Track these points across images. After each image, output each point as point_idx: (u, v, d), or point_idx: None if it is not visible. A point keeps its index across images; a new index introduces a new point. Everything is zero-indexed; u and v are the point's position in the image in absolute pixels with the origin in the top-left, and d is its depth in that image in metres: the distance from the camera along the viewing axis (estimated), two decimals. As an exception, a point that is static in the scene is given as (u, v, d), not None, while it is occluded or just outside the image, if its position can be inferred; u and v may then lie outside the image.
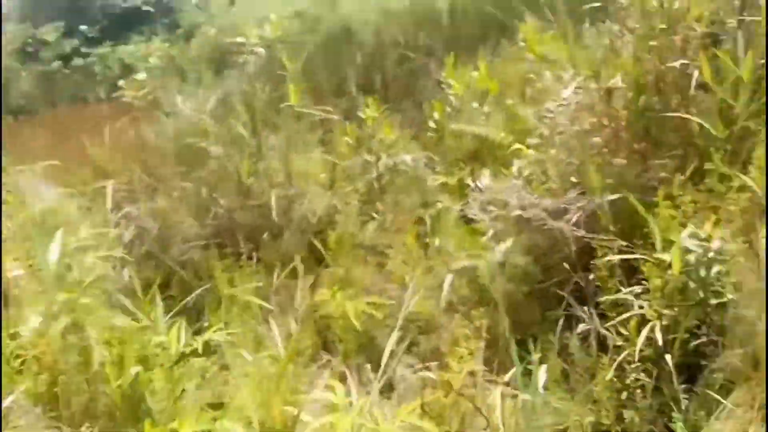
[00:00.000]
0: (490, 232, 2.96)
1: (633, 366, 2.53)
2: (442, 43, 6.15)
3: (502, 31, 5.59)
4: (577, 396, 2.65)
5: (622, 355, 2.54)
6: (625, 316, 2.61)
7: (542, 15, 4.62)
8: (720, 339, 2.52)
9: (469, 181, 3.53)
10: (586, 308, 2.80)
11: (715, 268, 2.47)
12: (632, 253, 2.74)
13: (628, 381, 2.54)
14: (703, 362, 2.51)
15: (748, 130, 2.81)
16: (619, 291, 2.71)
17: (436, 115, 4.34)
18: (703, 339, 2.53)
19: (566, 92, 2.95)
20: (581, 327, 2.76)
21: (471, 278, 3.15)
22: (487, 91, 4.25)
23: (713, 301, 2.49)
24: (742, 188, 2.69)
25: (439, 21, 6.58)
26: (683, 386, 2.49)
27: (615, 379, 2.54)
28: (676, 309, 2.55)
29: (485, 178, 3.10)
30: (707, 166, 2.75)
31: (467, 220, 3.44)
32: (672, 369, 2.44)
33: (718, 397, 2.39)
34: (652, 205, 2.72)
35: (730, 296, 2.48)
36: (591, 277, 2.84)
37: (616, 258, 2.75)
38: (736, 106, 2.80)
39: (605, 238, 2.81)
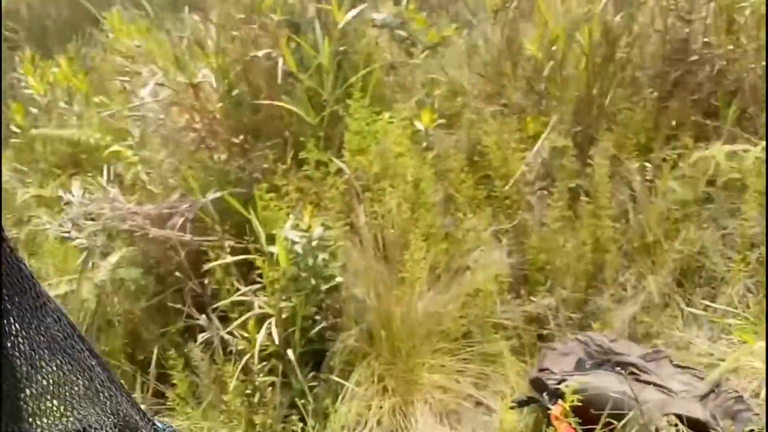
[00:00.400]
0: (86, 250, 2.64)
1: (259, 366, 2.47)
2: (26, 34, 5.46)
3: (95, 22, 5.14)
4: (208, 409, 2.52)
5: (246, 357, 2.46)
6: (245, 316, 2.53)
7: (137, 3, 4.33)
8: (337, 321, 2.59)
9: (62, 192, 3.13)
10: (206, 315, 2.66)
11: (321, 255, 2.50)
12: (245, 250, 2.67)
13: (257, 383, 2.47)
14: (326, 348, 2.56)
15: (337, 115, 2.90)
16: (238, 291, 2.63)
17: (18, 119, 3.79)
18: (323, 325, 2.56)
19: (147, 89, 2.74)
20: (202, 336, 2.61)
21: (78, 304, 2.80)
22: (76, 88, 3.83)
23: (324, 287, 2.53)
24: (339, 172, 2.79)
25: (21, 11, 5.84)
26: (312, 374, 2.51)
27: (244, 383, 2.46)
28: (293, 300, 2.54)
29: (76, 188, 2.75)
30: (305, 154, 2.77)
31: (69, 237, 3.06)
32: (294, 362, 2.43)
33: (340, 380, 2.44)
34: (256, 198, 2.68)
35: (338, 279, 2.54)
36: (207, 281, 2.71)
37: (229, 259, 2.66)
38: (323, 92, 2.87)
39: (214, 238, 2.70)
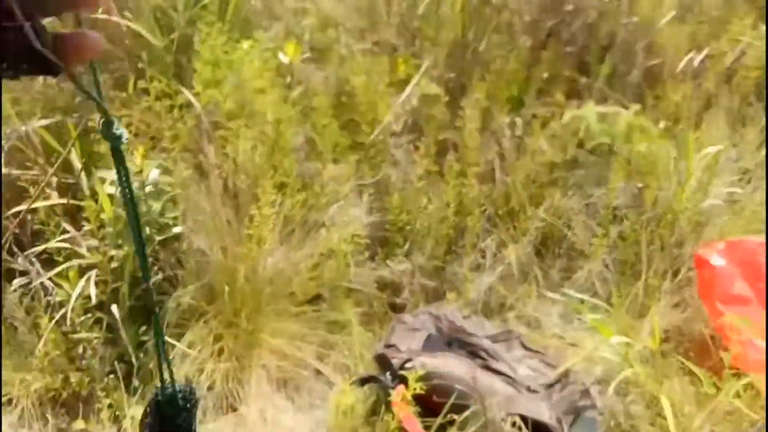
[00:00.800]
0: None
1: (82, 319, 2.06)
2: None
3: None
4: (22, 361, 2.11)
5: (65, 309, 2.03)
6: (68, 264, 2.08)
7: None
8: (176, 274, 2.20)
9: None
10: (26, 257, 2.19)
11: (157, 203, 2.07)
12: (76, 188, 2.19)
13: (81, 335, 2.06)
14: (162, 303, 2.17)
15: (189, 39, 2.40)
16: (67, 234, 2.17)
17: None
18: (159, 277, 2.16)
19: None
20: (18, 281, 2.15)
21: None
22: None
23: (159, 238, 2.11)
24: (189, 106, 2.31)
25: None
26: (144, 330, 2.13)
27: (66, 336, 2.05)
28: (126, 248, 2.10)
29: None
30: (146, 83, 2.26)
31: None
32: (119, 317, 2.03)
33: (171, 340, 2.07)
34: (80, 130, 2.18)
35: (176, 230, 2.12)
36: (29, 219, 2.22)
37: (54, 200, 2.18)
38: (174, 11, 2.34)
39: (36, 173, 2.19)
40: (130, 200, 0.60)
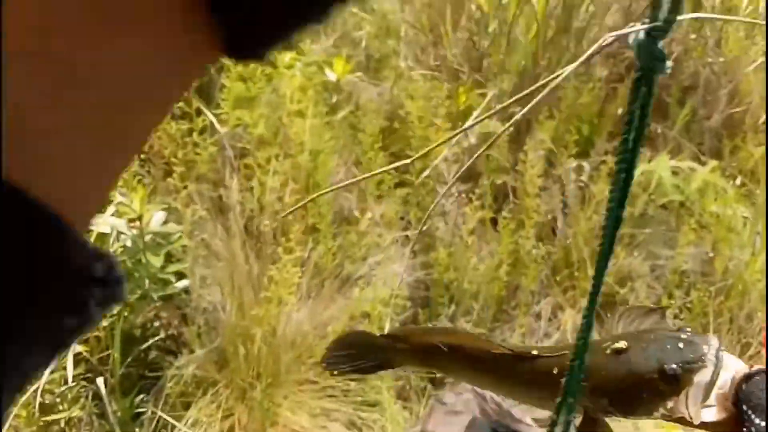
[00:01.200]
0: None
1: (62, 389, 1.31)
2: None
3: None
4: None
5: (40, 384, 1.28)
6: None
7: None
8: (181, 334, 1.43)
9: None
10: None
11: (157, 257, 1.29)
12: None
13: (62, 409, 1.32)
14: (161, 369, 1.41)
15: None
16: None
17: None
18: (157, 339, 1.40)
19: None
20: None
21: None
22: None
23: (159, 294, 1.34)
24: (212, 128, 1.51)
25: None
26: (141, 400, 1.38)
27: (41, 410, 1.30)
28: (123, 303, 1.33)
29: None
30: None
31: None
32: (104, 392, 1.29)
33: (171, 419, 1.32)
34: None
35: (180, 285, 1.35)
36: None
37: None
38: None
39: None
40: (629, 159, 0.31)
